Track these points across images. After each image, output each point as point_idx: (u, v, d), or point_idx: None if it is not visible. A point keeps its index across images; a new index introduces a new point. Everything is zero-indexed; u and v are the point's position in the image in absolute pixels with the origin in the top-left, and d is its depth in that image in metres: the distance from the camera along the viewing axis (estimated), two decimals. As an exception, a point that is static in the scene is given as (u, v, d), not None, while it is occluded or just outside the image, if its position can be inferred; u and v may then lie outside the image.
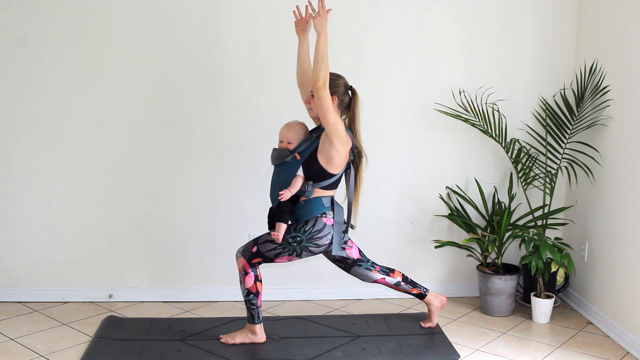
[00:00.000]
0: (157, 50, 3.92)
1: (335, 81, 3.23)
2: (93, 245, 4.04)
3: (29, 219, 3.99)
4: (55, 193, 3.98)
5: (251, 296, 3.29)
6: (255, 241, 3.29)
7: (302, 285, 4.18)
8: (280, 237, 3.21)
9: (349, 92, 3.28)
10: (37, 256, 4.02)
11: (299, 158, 3.22)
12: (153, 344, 3.37)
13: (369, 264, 3.48)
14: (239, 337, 3.39)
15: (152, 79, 3.94)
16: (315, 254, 3.31)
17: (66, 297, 4.05)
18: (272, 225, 3.31)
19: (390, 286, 3.54)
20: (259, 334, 3.38)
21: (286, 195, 3.18)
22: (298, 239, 3.23)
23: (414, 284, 3.57)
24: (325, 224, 3.25)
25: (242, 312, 3.89)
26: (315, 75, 3.04)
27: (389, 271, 3.53)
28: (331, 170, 3.20)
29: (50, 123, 3.92)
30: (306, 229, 3.23)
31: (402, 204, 4.17)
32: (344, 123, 3.26)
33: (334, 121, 3.08)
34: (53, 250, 4.02)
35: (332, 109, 3.08)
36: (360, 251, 3.49)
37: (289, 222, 3.27)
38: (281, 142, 3.29)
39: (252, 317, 3.35)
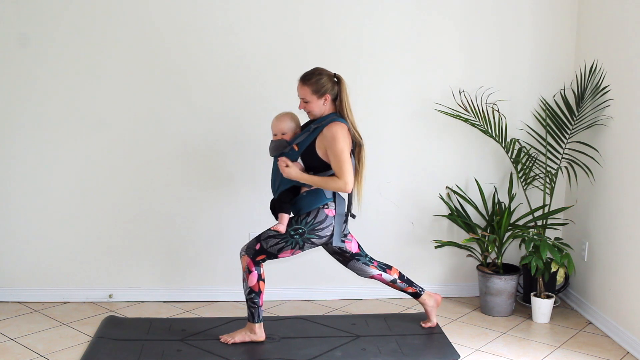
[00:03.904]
0: (157, 50, 3.91)
1: (321, 80, 3.22)
2: (93, 245, 4.04)
3: (28, 219, 3.99)
4: (55, 193, 3.98)
5: (253, 295, 3.30)
6: (258, 238, 3.30)
7: (302, 285, 4.18)
8: (284, 228, 3.22)
9: (335, 79, 3.27)
10: (37, 256, 4.02)
11: (297, 149, 3.23)
12: (153, 344, 3.37)
13: (367, 259, 3.49)
14: (239, 336, 3.39)
15: (153, 79, 3.93)
16: (317, 245, 3.32)
17: (66, 297, 4.05)
18: (276, 216, 3.33)
19: (386, 283, 3.55)
20: (259, 333, 3.38)
21: (283, 163, 3.20)
22: (300, 231, 3.24)
23: (410, 283, 3.58)
24: (327, 215, 3.26)
25: (242, 312, 3.89)
26: (338, 189, 3.17)
27: (386, 268, 3.53)
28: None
29: (50, 123, 3.92)
30: (308, 221, 3.24)
31: (402, 204, 4.17)
32: (337, 112, 3.28)
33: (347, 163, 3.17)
34: (53, 250, 4.02)
35: (349, 160, 3.16)
36: (359, 246, 3.51)
37: (291, 214, 3.28)
38: (275, 135, 3.31)
39: (253, 315, 3.35)
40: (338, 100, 3.27)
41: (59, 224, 4.01)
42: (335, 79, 3.27)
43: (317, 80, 3.21)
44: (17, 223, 3.99)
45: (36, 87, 3.89)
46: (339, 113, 3.27)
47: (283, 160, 3.21)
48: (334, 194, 3.29)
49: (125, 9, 3.87)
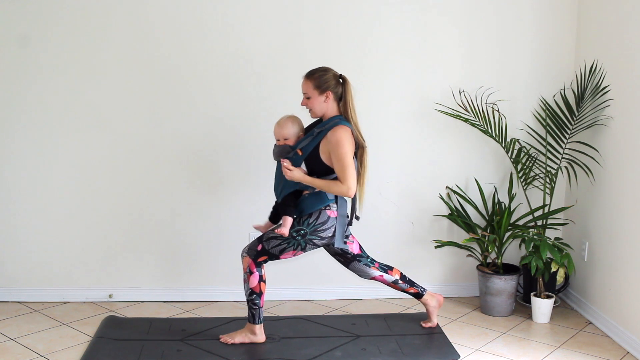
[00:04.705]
0: (157, 50, 3.91)
1: (324, 76, 3.23)
2: (93, 245, 4.04)
3: (29, 219, 3.99)
4: (56, 193, 3.98)
5: (254, 296, 3.30)
6: (260, 239, 3.30)
7: (302, 285, 4.18)
8: (287, 231, 3.22)
9: (340, 80, 3.28)
10: (37, 256, 4.02)
11: (300, 154, 3.23)
12: (153, 344, 3.37)
13: (368, 260, 3.49)
14: (239, 337, 3.39)
15: (153, 79, 3.93)
16: (319, 246, 3.33)
17: (66, 297, 4.05)
18: (275, 219, 3.32)
19: (388, 284, 3.55)
20: (259, 334, 3.38)
21: (287, 165, 3.20)
22: (302, 232, 3.24)
23: (411, 283, 3.58)
24: (329, 217, 3.26)
25: (242, 312, 3.89)
26: (341, 193, 3.18)
27: (387, 269, 3.53)
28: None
29: (50, 123, 3.92)
30: (310, 222, 3.24)
31: (402, 204, 4.17)
32: (341, 114, 3.28)
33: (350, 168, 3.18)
34: (53, 250, 4.02)
35: (352, 165, 3.16)
36: (360, 247, 3.51)
37: (294, 216, 3.28)
38: (278, 140, 3.30)
39: (253, 316, 3.35)
40: (342, 101, 3.28)
41: (59, 224, 4.01)
42: (341, 80, 3.28)
43: (320, 76, 3.22)
44: (17, 223, 3.99)
45: (36, 87, 3.89)
46: (342, 115, 3.27)
47: (287, 162, 3.20)
48: (336, 195, 3.29)
49: (125, 10, 3.87)
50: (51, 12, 3.83)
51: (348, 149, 3.16)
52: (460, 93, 4.01)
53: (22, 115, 3.91)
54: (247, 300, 3.32)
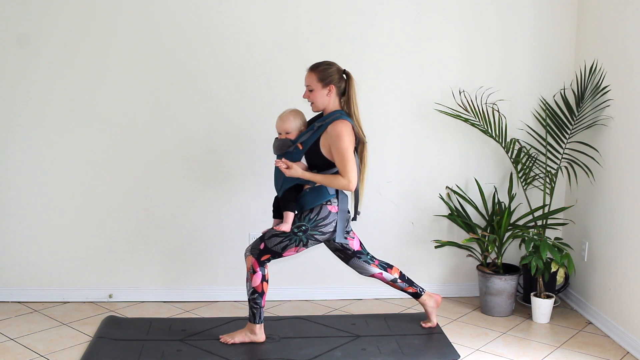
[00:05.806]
0: (157, 49, 3.91)
1: (329, 70, 3.25)
2: (93, 245, 4.04)
3: (28, 219, 3.99)
4: (55, 193, 3.98)
5: (256, 295, 3.30)
6: (262, 238, 3.30)
7: (302, 285, 4.18)
8: (289, 227, 3.22)
9: (344, 76, 3.29)
10: (37, 256, 4.02)
11: (301, 148, 3.23)
12: (153, 344, 3.37)
13: (368, 257, 3.50)
14: (239, 337, 3.39)
15: (153, 78, 3.93)
16: (320, 241, 3.33)
17: (66, 297, 4.05)
18: (277, 214, 3.34)
19: (387, 282, 3.55)
20: (259, 334, 3.38)
21: (281, 164, 3.19)
22: (303, 227, 3.25)
23: (410, 283, 3.58)
24: (329, 212, 3.26)
25: (242, 312, 3.89)
26: (342, 187, 3.19)
27: (387, 267, 3.54)
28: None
29: (50, 123, 3.92)
30: (311, 217, 3.25)
31: (402, 204, 4.17)
32: (343, 109, 3.29)
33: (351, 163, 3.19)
34: (53, 250, 4.02)
35: (353, 158, 3.18)
36: (361, 244, 3.51)
37: (295, 211, 3.29)
38: (280, 134, 3.31)
39: (254, 316, 3.35)
40: (345, 96, 3.30)
41: (58, 224, 4.01)
42: (345, 75, 3.29)
43: (324, 69, 3.24)
44: (17, 223, 3.99)
45: (37, 88, 3.89)
46: (345, 110, 3.28)
47: (283, 162, 3.20)
48: (337, 190, 3.30)
49: (125, 8, 3.87)
50: (49, 11, 3.83)
51: (348, 142, 3.17)
52: (460, 93, 4.01)
53: (21, 116, 3.90)
54: (249, 300, 3.32)
